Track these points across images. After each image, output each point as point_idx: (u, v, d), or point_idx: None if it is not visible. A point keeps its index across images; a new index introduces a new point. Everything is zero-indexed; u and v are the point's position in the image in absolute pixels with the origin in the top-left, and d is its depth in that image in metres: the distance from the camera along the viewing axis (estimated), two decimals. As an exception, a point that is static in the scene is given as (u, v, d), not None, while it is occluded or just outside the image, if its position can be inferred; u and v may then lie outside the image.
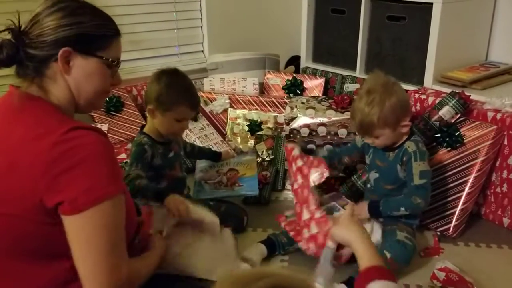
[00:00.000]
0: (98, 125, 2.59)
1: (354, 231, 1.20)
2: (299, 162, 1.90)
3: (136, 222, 1.36)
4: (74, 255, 1.07)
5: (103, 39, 1.18)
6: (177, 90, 1.78)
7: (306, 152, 2.01)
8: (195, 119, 2.66)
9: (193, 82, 2.97)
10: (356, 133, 1.96)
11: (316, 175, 1.83)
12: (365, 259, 1.11)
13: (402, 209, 1.78)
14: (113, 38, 1.20)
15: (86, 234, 1.06)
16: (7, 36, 1.14)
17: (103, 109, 2.64)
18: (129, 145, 2.35)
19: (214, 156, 2.25)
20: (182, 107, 1.78)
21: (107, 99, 2.63)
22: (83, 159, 1.05)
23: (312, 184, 1.83)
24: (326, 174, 1.82)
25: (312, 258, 1.69)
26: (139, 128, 1.93)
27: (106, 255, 1.07)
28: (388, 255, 1.68)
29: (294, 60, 3.30)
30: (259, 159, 2.42)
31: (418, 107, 2.26)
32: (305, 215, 1.81)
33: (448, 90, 2.19)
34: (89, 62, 1.17)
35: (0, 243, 1.10)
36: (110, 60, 1.19)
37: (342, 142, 2.30)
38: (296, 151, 1.93)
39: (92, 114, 2.62)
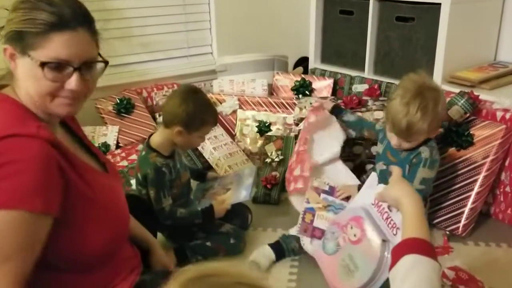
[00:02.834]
0: (109, 127, 2.62)
1: (406, 190, 1.12)
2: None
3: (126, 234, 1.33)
4: None
5: (30, 36, 1.05)
6: (206, 111, 1.79)
7: None
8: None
9: (203, 84, 2.95)
10: (391, 132, 1.77)
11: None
12: (410, 225, 1.04)
13: None
14: (41, 35, 1.05)
15: None
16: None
17: (113, 111, 2.66)
18: (140, 147, 2.36)
19: (199, 175, 2.21)
20: (209, 126, 1.84)
21: (118, 101, 2.66)
22: (8, 174, 1.00)
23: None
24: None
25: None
26: (146, 138, 1.88)
27: None
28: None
29: (303, 61, 3.31)
30: (268, 160, 2.44)
31: (426, 107, 2.26)
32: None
33: (457, 90, 2.19)
34: (24, 61, 1.08)
35: None
36: (36, 60, 1.06)
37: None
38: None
39: (103, 116, 2.64)
